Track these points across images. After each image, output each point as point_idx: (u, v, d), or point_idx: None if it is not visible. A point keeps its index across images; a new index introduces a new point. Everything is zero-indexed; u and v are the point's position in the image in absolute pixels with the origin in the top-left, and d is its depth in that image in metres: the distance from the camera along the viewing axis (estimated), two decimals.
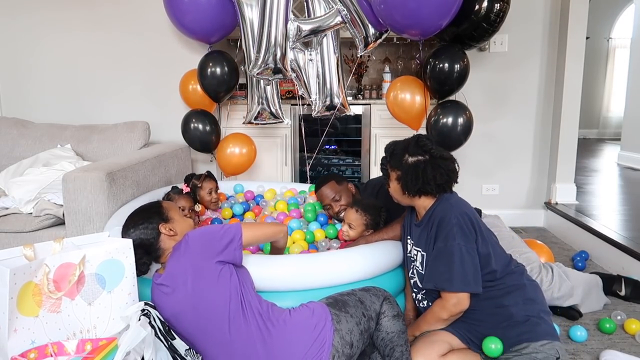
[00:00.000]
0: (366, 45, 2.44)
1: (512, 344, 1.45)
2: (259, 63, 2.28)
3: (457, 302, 1.47)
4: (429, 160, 1.53)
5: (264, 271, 1.59)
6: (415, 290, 1.68)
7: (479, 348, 1.50)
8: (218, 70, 2.76)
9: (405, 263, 1.75)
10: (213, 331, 1.32)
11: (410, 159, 1.54)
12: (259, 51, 2.28)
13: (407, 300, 1.83)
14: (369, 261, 1.70)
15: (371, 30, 2.39)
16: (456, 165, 1.58)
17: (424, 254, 1.57)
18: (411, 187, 1.54)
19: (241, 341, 1.31)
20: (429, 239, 1.54)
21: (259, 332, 1.32)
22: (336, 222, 2.24)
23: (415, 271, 1.65)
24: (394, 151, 1.59)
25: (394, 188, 1.61)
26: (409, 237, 1.70)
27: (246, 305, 1.35)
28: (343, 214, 2.14)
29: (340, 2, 2.32)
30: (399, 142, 1.61)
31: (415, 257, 1.63)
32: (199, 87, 2.88)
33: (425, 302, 1.63)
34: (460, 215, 1.48)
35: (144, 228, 1.42)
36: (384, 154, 1.64)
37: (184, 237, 1.42)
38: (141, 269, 1.43)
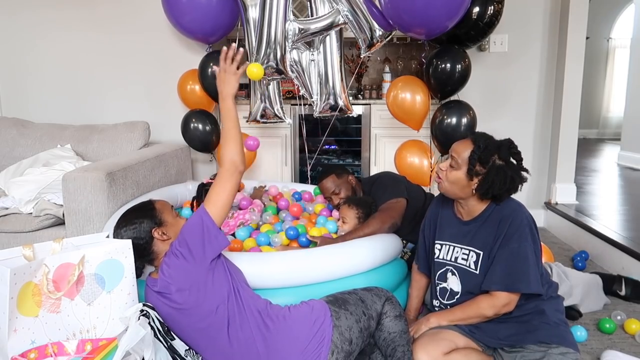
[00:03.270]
0: (370, 46, 2.43)
1: (543, 340, 1.44)
2: (260, 61, 2.28)
3: (508, 302, 1.44)
4: (514, 169, 1.47)
5: (260, 269, 1.60)
6: (442, 298, 1.61)
7: (495, 342, 1.50)
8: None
9: (430, 267, 1.68)
10: (211, 333, 1.33)
11: (498, 162, 1.46)
12: (258, 50, 2.28)
13: (410, 300, 1.82)
14: (366, 255, 1.73)
15: (378, 32, 2.38)
16: None
17: (480, 252, 1.51)
18: (493, 189, 1.45)
19: (240, 340, 1.31)
20: (494, 238, 1.47)
21: (258, 330, 1.32)
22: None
23: (456, 273, 1.57)
24: (487, 146, 1.47)
25: (462, 180, 1.49)
26: (439, 241, 1.63)
27: (244, 304, 1.35)
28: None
29: (345, 2, 2.31)
30: (490, 138, 1.52)
31: (464, 257, 1.55)
32: (197, 87, 2.88)
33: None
34: (530, 217, 1.48)
35: (137, 231, 1.40)
36: (476, 145, 1.48)
37: (170, 247, 1.37)
38: (135, 273, 1.42)
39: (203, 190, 2.29)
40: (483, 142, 1.48)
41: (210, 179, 2.43)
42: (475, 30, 2.50)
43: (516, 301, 1.45)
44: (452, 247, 1.60)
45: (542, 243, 2.40)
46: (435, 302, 1.65)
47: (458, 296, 1.57)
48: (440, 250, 1.63)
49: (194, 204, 2.32)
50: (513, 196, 1.54)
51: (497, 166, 1.45)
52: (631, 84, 4.73)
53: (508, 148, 1.48)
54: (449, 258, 1.60)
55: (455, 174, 1.50)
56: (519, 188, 1.50)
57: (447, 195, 1.58)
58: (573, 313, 1.99)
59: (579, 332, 1.80)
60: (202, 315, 1.32)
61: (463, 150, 1.50)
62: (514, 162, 1.48)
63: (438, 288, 1.63)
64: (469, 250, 1.54)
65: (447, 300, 1.60)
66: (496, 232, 1.47)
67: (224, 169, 1.41)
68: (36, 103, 3.34)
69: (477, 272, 1.51)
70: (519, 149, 1.51)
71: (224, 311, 1.32)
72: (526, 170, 1.50)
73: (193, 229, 1.35)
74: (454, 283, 1.58)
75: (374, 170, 3.20)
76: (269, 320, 1.34)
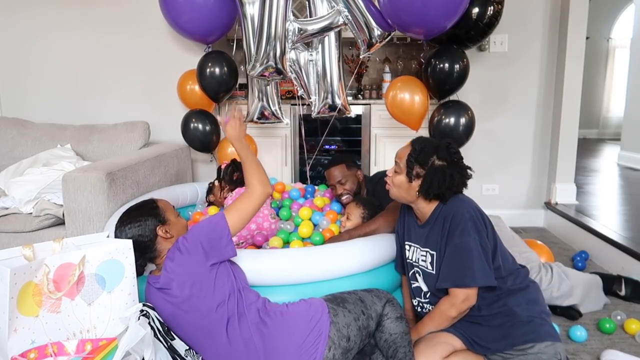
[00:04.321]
0: (369, 46, 2.43)
1: (517, 343, 1.45)
2: (260, 60, 2.27)
3: (466, 297, 1.46)
4: (454, 167, 1.51)
5: (261, 266, 1.61)
6: (418, 296, 1.65)
7: (481, 349, 1.50)
8: (217, 70, 2.76)
9: (405, 268, 1.73)
10: (210, 331, 1.33)
11: (437, 162, 1.51)
12: (258, 49, 2.27)
13: (405, 300, 1.83)
14: (366, 254, 1.72)
15: (376, 32, 2.38)
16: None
17: (434, 253, 1.55)
18: (433, 189, 1.50)
19: (238, 339, 1.33)
20: (441, 237, 1.52)
21: (256, 328, 1.34)
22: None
23: (421, 274, 1.62)
24: (424, 148, 1.53)
25: (405, 183, 1.55)
26: (407, 242, 1.68)
27: (245, 304, 1.37)
28: (344, 197, 2.25)
29: (344, 2, 2.31)
30: (428, 140, 1.57)
31: (423, 258, 1.60)
32: (196, 88, 2.88)
33: (428, 307, 1.61)
34: (473, 210, 1.50)
35: (141, 229, 1.41)
36: (412, 147, 1.56)
37: (175, 244, 1.41)
38: (137, 271, 1.43)
39: (228, 169, 2.34)
40: (419, 145, 1.54)
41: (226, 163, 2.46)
42: (475, 30, 2.50)
43: (475, 295, 1.47)
44: (416, 249, 1.65)
45: (541, 243, 2.43)
46: (414, 302, 1.68)
47: (429, 295, 1.60)
48: (408, 251, 1.68)
49: (220, 184, 2.36)
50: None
51: (436, 166, 1.51)
52: (631, 84, 4.73)
53: (446, 148, 1.53)
54: (414, 259, 1.65)
55: (398, 178, 1.57)
56: (464, 185, 1.55)
57: (397, 200, 1.64)
58: (573, 313, 1.99)
59: (579, 332, 1.81)
60: (201, 314, 1.33)
61: (404, 154, 1.57)
62: (455, 160, 1.53)
63: (413, 287, 1.67)
64: (426, 252, 1.59)
65: (424, 299, 1.63)
66: (442, 231, 1.52)
67: (255, 192, 1.48)
68: (36, 103, 3.34)
69: (434, 272, 1.55)
70: (457, 149, 1.56)
71: (224, 310, 1.33)
72: (468, 168, 1.56)
73: (208, 229, 1.40)
74: (421, 283, 1.62)
75: (374, 170, 3.20)
76: (267, 317, 1.36)
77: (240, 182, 2.28)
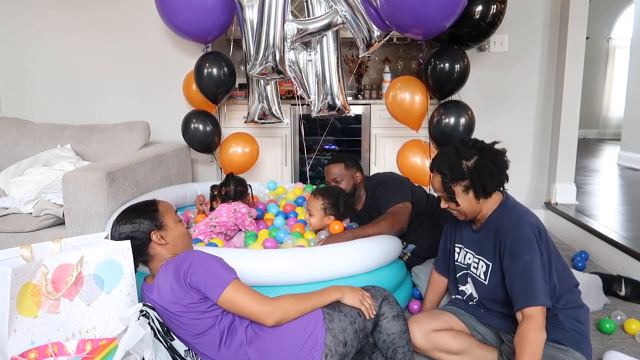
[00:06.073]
0: (368, 46, 2.44)
1: (556, 340, 1.43)
2: (258, 62, 2.28)
3: (542, 313, 1.37)
4: (485, 155, 1.47)
5: (260, 265, 1.62)
6: (463, 297, 1.63)
7: (500, 341, 1.51)
8: (215, 71, 2.73)
9: (452, 270, 1.68)
10: (205, 345, 1.33)
11: (469, 164, 1.46)
12: (257, 52, 2.28)
13: (424, 302, 1.83)
14: (366, 256, 1.74)
15: (376, 32, 2.38)
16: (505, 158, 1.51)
17: (489, 264, 1.51)
18: (488, 187, 1.46)
19: (233, 352, 1.31)
20: (499, 249, 1.46)
21: (250, 342, 1.31)
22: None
23: (470, 280, 1.60)
24: (451, 165, 1.48)
25: (465, 200, 1.49)
26: (457, 244, 1.65)
27: (236, 322, 1.34)
28: None
29: (343, 2, 2.32)
30: (445, 155, 1.51)
31: (475, 265, 1.57)
32: None
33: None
34: (535, 226, 1.44)
35: (135, 230, 1.39)
36: (441, 174, 1.50)
37: (176, 269, 1.31)
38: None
39: (230, 183, 2.35)
40: (445, 165, 1.48)
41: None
42: (477, 29, 2.48)
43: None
44: (467, 253, 1.62)
45: None
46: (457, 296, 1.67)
47: (477, 300, 1.59)
48: (459, 253, 1.66)
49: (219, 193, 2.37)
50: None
51: (472, 167, 1.46)
52: (631, 84, 4.73)
53: (464, 147, 1.49)
54: (465, 263, 1.63)
55: (462, 202, 1.50)
56: (507, 163, 1.50)
57: (471, 218, 1.57)
58: None
59: None
60: (194, 333, 1.32)
61: (439, 186, 1.52)
62: (482, 148, 1.48)
63: (459, 289, 1.66)
64: (479, 260, 1.56)
65: (468, 301, 1.62)
66: (495, 242, 1.47)
67: (269, 312, 1.30)
68: (36, 103, 3.34)
69: (486, 282, 1.52)
70: (473, 139, 1.53)
71: (216, 331, 1.31)
72: (500, 153, 1.51)
73: (209, 277, 1.30)
74: (472, 288, 1.61)
75: (373, 170, 3.20)
76: (260, 330, 1.33)
77: (226, 198, 2.30)
